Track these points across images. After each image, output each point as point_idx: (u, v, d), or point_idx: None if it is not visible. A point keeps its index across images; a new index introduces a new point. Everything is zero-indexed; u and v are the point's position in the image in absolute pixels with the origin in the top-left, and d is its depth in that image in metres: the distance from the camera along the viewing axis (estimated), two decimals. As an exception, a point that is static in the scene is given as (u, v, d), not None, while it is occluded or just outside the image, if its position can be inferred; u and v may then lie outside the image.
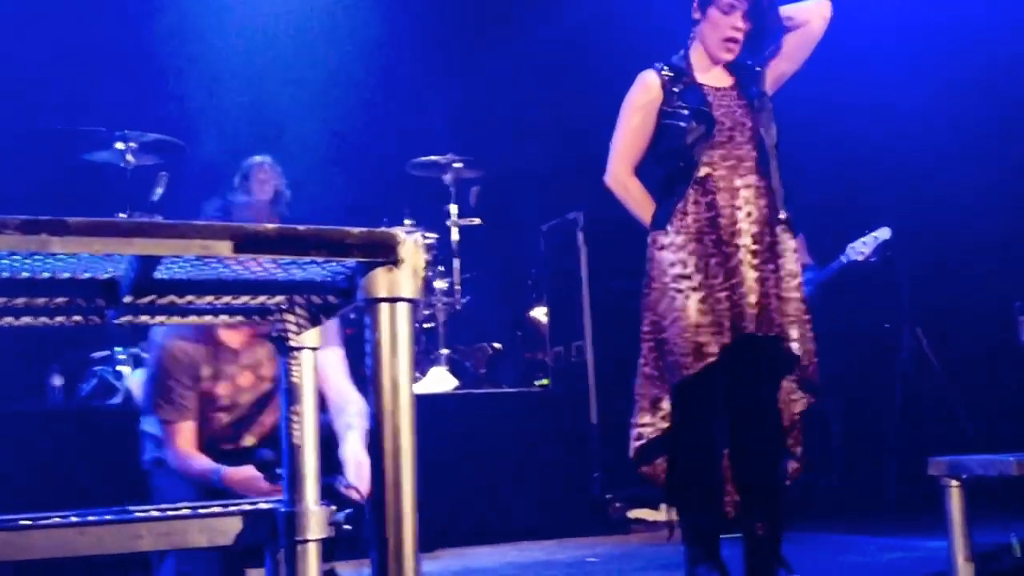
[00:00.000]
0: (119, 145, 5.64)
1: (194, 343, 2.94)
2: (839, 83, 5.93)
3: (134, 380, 5.04)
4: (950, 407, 5.69)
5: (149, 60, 6.49)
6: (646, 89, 3.22)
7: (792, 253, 3.15)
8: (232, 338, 2.96)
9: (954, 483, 2.88)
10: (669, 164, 3.18)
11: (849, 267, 5.42)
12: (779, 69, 3.27)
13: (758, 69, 3.25)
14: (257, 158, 5.98)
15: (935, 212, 6.23)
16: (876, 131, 6.29)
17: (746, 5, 3.16)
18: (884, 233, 4.76)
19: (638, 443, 3.11)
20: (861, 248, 4.74)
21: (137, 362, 5.28)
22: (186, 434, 2.93)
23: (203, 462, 2.90)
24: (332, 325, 3.00)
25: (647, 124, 3.21)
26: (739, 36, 3.16)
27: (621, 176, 3.26)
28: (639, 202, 3.24)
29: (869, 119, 6.32)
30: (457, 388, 5.78)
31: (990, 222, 6.07)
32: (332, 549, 2.27)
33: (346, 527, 1.70)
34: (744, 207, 3.09)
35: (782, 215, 3.14)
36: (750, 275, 3.05)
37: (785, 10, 3.22)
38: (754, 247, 3.07)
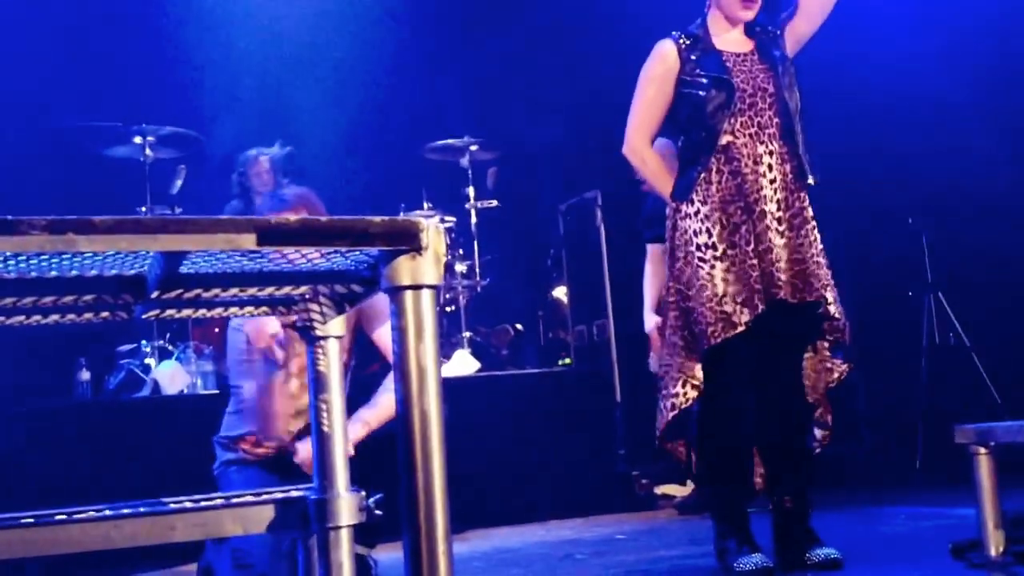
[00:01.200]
0: (137, 139, 5.69)
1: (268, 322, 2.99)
2: (854, 49, 5.89)
3: (161, 372, 5.10)
4: (976, 374, 5.66)
5: (163, 54, 6.51)
6: (663, 59, 3.20)
7: (814, 220, 3.13)
8: None
9: (982, 451, 2.87)
10: (690, 133, 3.17)
11: None
12: (799, 30, 3.24)
13: (777, 32, 3.23)
14: (250, 152, 5.95)
15: (955, 178, 6.18)
16: (893, 97, 6.23)
17: None
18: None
19: (672, 413, 3.09)
20: None
21: (163, 354, 5.34)
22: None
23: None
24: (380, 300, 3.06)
25: (665, 94, 3.19)
26: None
27: (639, 148, 3.25)
28: (656, 173, 3.24)
29: (885, 86, 6.27)
30: (480, 370, 5.80)
31: (1011, 187, 6.02)
32: (376, 534, 2.30)
33: (377, 512, 1.71)
34: (769, 174, 3.07)
35: (811, 180, 3.12)
36: (778, 242, 3.03)
37: None
38: (779, 214, 3.06)
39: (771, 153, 3.09)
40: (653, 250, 4.83)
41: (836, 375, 3.16)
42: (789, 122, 3.12)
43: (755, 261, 3.02)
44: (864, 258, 6.22)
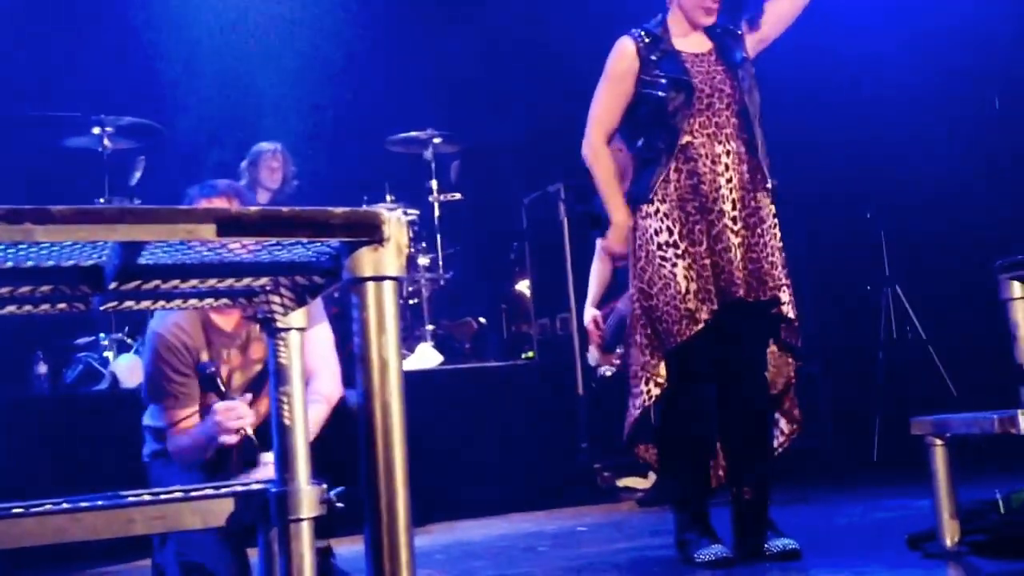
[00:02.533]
0: (96, 130, 5.62)
1: (190, 329, 2.95)
2: (814, 44, 5.93)
3: (119, 365, 5.05)
4: (932, 367, 5.74)
5: (125, 43, 6.43)
6: (623, 56, 3.22)
7: (774, 219, 3.16)
8: (224, 321, 2.97)
9: (938, 442, 2.92)
10: (649, 133, 3.18)
11: None
12: (764, 33, 3.27)
13: (739, 32, 3.25)
14: (267, 145, 5.95)
15: (912, 172, 6.27)
16: (851, 92, 6.29)
17: None
18: None
19: (638, 412, 3.13)
20: None
21: (121, 347, 5.29)
22: (190, 421, 2.94)
23: (196, 429, 2.92)
24: (316, 303, 3.03)
25: (625, 91, 3.21)
26: (715, 3, 3.16)
27: (596, 144, 3.26)
28: (605, 173, 3.25)
29: (843, 81, 6.33)
30: (443, 364, 5.80)
31: (967, 180, 6.10)
32: (331, 525, 2.30)
33: (339, 505, 1.71)
34: (725, 174, 3.10)
35: (769, 183, 3.15)
36: (734, 241, 3.06)
37: None
38: (734, 213, 3.08)
39: (728, 153, 3.11)
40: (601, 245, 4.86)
41: (791, 370, 3.21)
42: (748, 123, 3.15)
43: (711, 260, 3.05)
44: (824, 252, 6.28)
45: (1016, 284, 2.66)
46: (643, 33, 3.22)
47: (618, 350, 4.19)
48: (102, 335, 5.32)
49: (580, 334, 5.60)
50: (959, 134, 6.14)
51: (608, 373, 4.39)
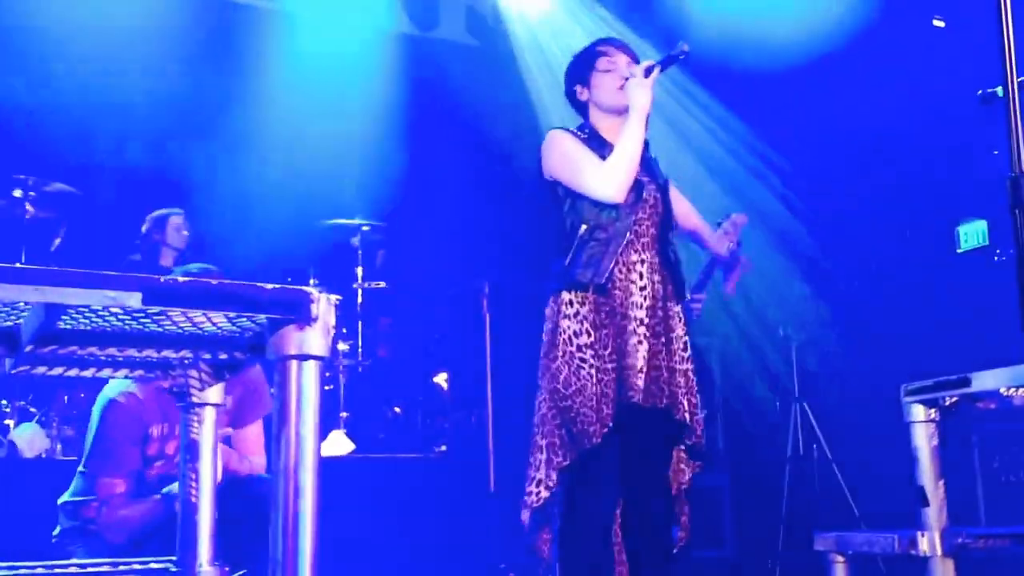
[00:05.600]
0: (17, 193, 5.52)
1: (143, 396, 2.89)
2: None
3: (19, 435, 4.88)
4: (836, 484, 5.82)
5: (53, 109, 6.37)
6: (569, 135, 3.20)
7: (683, 326, 3.20)
8: None
9: (839, 559, 2.95)
10: (600, 220, 3.13)
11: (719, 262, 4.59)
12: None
13: (656, 159, 3.34)
14: (164, 210, 5.93)
15: (826, 292, 6.45)
16: (770, 211, 6.48)
17: (621, 48, 3.26)
18: (741, 218, 4.28)
19: (525, 512, 3.12)
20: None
21: (23, 415, 5.11)
22: (121, 491, 2.87)
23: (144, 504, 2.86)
24: (265, 393, 3.08)
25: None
26: (623, 79, 3.19)
27: (605, 177, 3.12)
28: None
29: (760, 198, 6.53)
30: (355, 452, 5.72)
31: (878, 303, 6.29)
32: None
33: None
34: (639, 281, 3.12)
35: (688, 294, 3.21)
36: (642, 348, 3.06)
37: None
38: (647, 320, 3.10)
39: (643, 262, 3.14)
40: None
41: (686, 477, 3.23)
42: (665, 233, 3.21)
43: (612, 364, 3.06)
44: (734, 367, 6.39)
45: (919, 407, 2.74)
46: (577, 131, 3.24)
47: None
48: (3, 402, 5.14)
49: (494, 430, 5.59)
50: (874, 251, 6.34)
51: None
